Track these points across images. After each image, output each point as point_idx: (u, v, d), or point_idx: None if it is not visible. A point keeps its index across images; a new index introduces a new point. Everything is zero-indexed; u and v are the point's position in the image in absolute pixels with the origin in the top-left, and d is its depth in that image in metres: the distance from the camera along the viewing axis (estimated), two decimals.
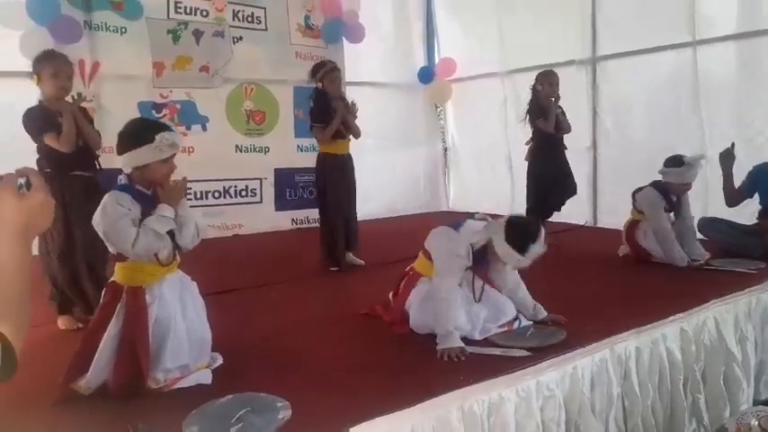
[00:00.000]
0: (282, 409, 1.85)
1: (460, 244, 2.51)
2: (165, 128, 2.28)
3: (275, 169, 6.07)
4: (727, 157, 3.99)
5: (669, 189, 3.79)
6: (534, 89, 4.78)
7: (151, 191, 2.25)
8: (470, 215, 2.69)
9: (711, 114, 4.83)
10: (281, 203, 6.13)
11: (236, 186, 5.88)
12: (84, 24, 4.93)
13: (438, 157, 7.62)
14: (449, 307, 2.43)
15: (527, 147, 4.93)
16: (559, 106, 4.80)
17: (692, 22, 4.89)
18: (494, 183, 6.49)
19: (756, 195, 4.06)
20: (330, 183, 4.16)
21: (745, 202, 4.04)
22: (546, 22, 6.00)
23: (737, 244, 3.84)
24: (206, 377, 2.14)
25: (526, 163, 4.96)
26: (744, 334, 3.02)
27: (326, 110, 4.05)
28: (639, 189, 3.93)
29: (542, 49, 5.94)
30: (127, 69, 5.25)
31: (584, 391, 2.36)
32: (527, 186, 4.93)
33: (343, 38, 6.36)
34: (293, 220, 6.14)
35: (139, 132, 2.21)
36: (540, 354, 2.31)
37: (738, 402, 2.84)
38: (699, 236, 4.00)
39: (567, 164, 4.87)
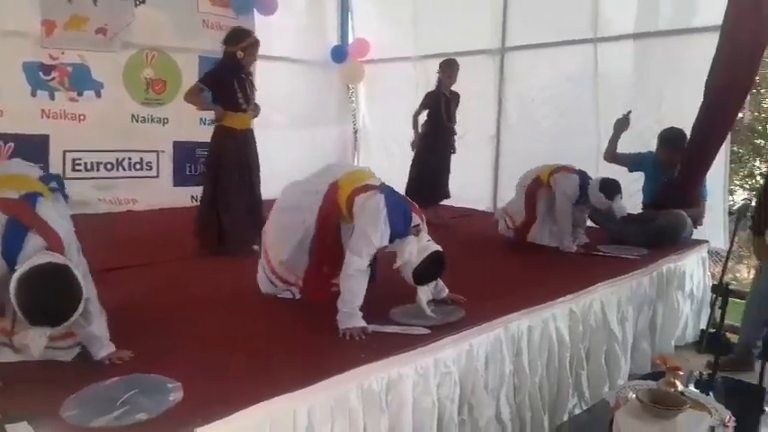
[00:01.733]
0: (173, 390, 1.76)
1: (383, 237, 2.46)
2: None
3: (174, 142, 5.80)
4: (622, 123, 4.33)
5: (587, 194, 3.89)
6: (438, 78, 5.03)
7: None
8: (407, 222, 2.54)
9: (608, 109, 5.10)
10: (180, 179, 5.87)
11: (130, 158, 5.57)
12: None
13: (348, 138, 7.58)
14: (356, 285, 2.41)
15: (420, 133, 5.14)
16: (453, 92, 5.07)
17: (594, 20, 5.14)
18: (402, 167, 6.54)
19: (641, 188, 4.38)
20: (231, 161, 3.83)
21: (632, 194, 4.32)
22: (459, 10, 6.09)
23: (623, 232, 4.09)
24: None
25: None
26: (624, 315, 3.25)
27: (232, 79, 3.79)
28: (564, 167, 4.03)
29: (455, 36, 6.04)
30: (11, 25, 4.81)
31: (479, 369, 2.44)
32: (410, 172, 5.20)
33: (255, 9, 6.14)
34: (192, 196, 5.87)
35: None
36: (438, 331, 2.35)
37: (616, 378, 3.06)
38: (589, 223, 4.24)
39: (449, 161, 5.17)
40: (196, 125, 5.73)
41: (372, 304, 2.70)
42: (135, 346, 2.06)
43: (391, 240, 2.48)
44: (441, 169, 5.19)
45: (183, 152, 5.85)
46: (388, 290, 2.78)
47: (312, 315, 2.59)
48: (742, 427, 1.91)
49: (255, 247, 3.56)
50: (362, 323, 2.36)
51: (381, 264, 2.73)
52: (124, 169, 5.51)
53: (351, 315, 2.37)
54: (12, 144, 4.85)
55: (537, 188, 4.01)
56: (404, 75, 6.66)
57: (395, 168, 6.71)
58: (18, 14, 4.83)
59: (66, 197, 2.12)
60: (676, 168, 4.11)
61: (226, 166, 3.83)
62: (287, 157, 6.29)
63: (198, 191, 5.78)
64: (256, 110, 4.02)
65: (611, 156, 4.40)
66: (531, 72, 5.76)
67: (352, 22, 7.38)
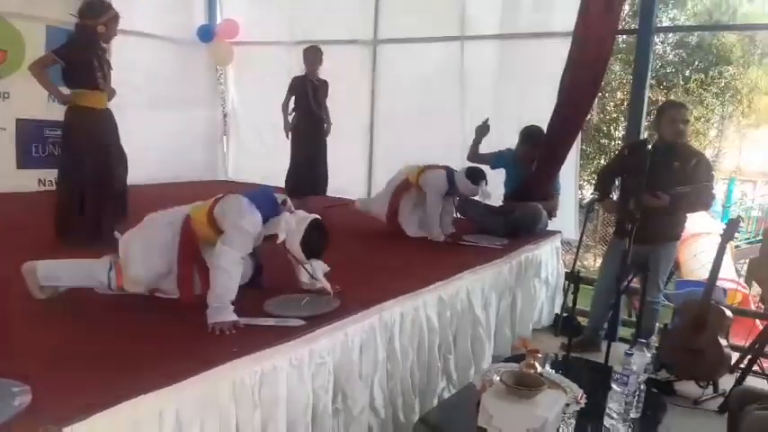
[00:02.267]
0: (20, 394, 1.57)
1: (254, 223, 2.39)
2: None
3: (17, 119, 5.21)
4: (482, 129, 4.59)
5: (455, 185, 4.06)
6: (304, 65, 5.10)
7: None
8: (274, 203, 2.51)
9: (472, 103, 5.34)
10: (26, 160, 5.29)
11: None
12: None
13: (217, 122, 7.28)
14: (229, 279, 2.31)
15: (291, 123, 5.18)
16: (320, 80, 5.15)
17: (462, 19, 5.34)
18: (275, 154, 6.41)
19: (503, 182, 4.65)
20: (88, 143, 3.53)
21: (496, 186, 4.57)
22: None
23: (487, 223, 4.33)
24: None
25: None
26: (488, 301, 3.44)
27: (90, 55, 3.53)
28: (430, 167, 4.17)
29: (328, 24, 6.00)
30: None
31: (353, 358, 2.45)
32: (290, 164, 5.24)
33: None
34: (40, 180, 5.35)
35: None
36: (313, 322, 2.33)
37: (481, 361, 3.24)
38: (455, 215, 4.42)
39: (324, 151, 5.26)
40: (43, 101, 5.16)
41: (246, 297, 2.62)
42: None
43: (264, 223, 2.43)
44: (317, 159, 5.20)
45: (29, 131, 5.27)
46: (263, 282, 2.73)
47: (180, 310, 2.44)
48: (592, 403, 2.09)
49: (117, 234, 3.18)
50: (233, 317, 2.27)
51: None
52: None
53: (221, 309, 2.27)
54: None
55: (405, 189, 4.16)
56: (276, 59, 6.49)
57: (270, 155, 6.58)
58: None
59: None
60: (533, 164, 4.41)
61: (82, 149, 3.53)
62: (152, 141, 5.93)
63: (47, 174, 5.33)
64: (112, 93, 3.78)
65: (474, 156, 4.63)
66: (402, 65, 5.88)
67: (220, 2, 7.07)
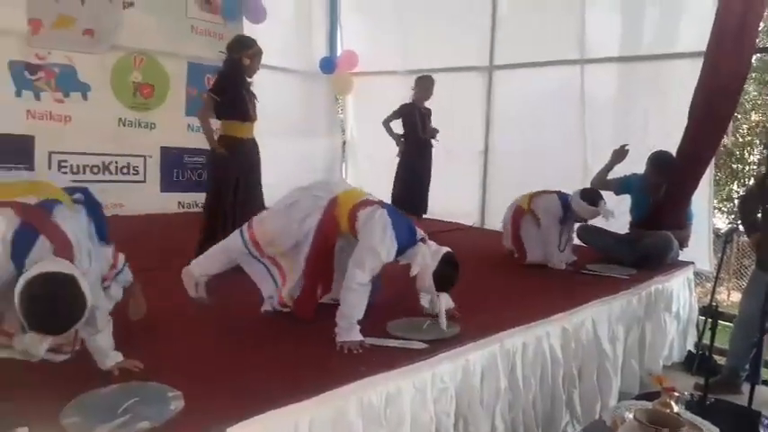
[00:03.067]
0: (174, 399, 1.72)
1: (389, 252, 2.45)
2: None
3: (162, 147, 5.73)
4: (619, 154, 4.32)
5: (571, 208, 3.95)
6: (414, 92, 5.16)
7: None
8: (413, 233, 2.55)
9: (593, 128, 5.19)
10: (167, 184, 5.79)
11: (116, 163, 5.48)
12: None
13: (337, 149, 7.57)
14: (357, 299, 2.38)
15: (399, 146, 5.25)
16: (426, 108, 5.18)
17: (581, 42, 5.23)
18: (389, 179, 6.54)
19: (629, 206, 4.44)
20: (238, 172, 3.68)
21: (622, 214, 4.37)
22: (447, 27, 6.15)
23: (613, 251, 4.14)
24: None
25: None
26: (615, 334, 3.27)
27: (239, 88, 3.74)
28: (542, 192, 4.09)
29: (443, 52, 6.10)
30: None
31: (475, 384, 2.43)
32: (394, 185, 5.29)
33: (244, 17, 6.12)
34: (180, 203, 5.82)
35: None
36: (435, 346, 2.34)
37: (607, 396, 3.07)
38: (577, 242, 4.27)
39: (429, 174, 5.26)
40: (184, 131, 5.70)
41: (369, 317, 2.69)
42: (133, 353, 2.00)
43: (399, 253, 2.48)
44: (423, 183, 5.27)
45: (171, 158, 5.79)
46: (385, 303, 2.78)
47: (310, 327, 2.55)
48: None
49: None
50: (360, 337, 2.34)
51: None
52: (111, 173, 5.43)
53: (349, 329, 2.34)
54: None
55: (519, 216, 4.08)
56: (391, 88, 6.68)
57: (380, 181, 6.73)
58: (4, 12, 4.73)
59: (97, 205, 2.06)
60: (662, 190, 4.18)
61: (231, 177, 3.68)
62: (277, 168, 6.24)
63: (185, 197, 5.81)
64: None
65: (600, 182, 4.39)
66: (519, 90, 5.83)
67: (341, 34, 7.40)
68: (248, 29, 6.11)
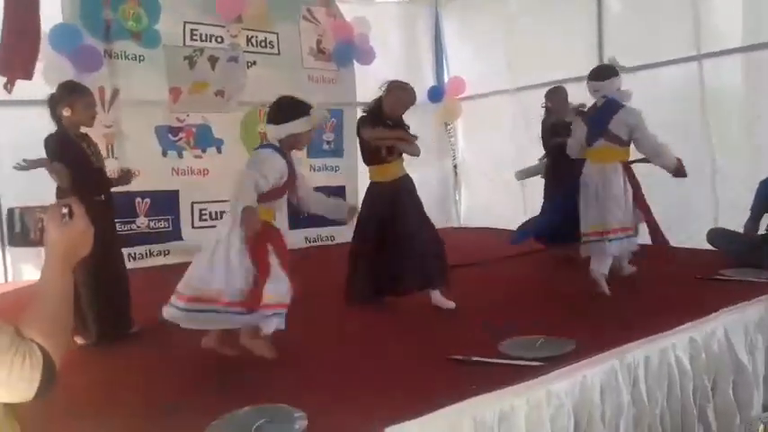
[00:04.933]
0: (299, 419, 1.92)
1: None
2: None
3: None
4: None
5: None
6: (546, 108, 4.89)
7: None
8: None
9: (720, 125, 4.86)
10: (294, 222, 6.21)
11: None
12: (104, 53, 5.09)
13: (448, 173, 7.70)
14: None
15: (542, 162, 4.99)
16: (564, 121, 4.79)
17: (697, 36, 4.96)
18: (505, 199, 6.55)
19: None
20: (372, 215, 3.72)
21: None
22: (552, 37, 6.10)
23: (747, 254, 3.86)
24: None
25: (539, 180, 5.10)
26: (754, 343, 3.04)
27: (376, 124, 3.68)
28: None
29: (550, 64, 6.03)
30: (144, 95, 5.40)
31: (594, 401, 2.39)
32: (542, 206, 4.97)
33: (354, 60, 6.50)
34: (306, 238, 6.24)
35: (297, 106, 2.79)
36: (549, 363, 2.36)
37: (748, 410, 2.85)
38: (706, 246, 4.02)
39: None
40: (307, 172, 6.09)
41: (480, 336, 2.78)
42: (264, 375, 2.25)
43: None
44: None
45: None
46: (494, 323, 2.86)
47: (419, 344, 2.71)
48: None
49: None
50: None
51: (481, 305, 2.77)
52: None
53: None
54: (149, 199, 5.42)
55: None
56: (500, 107, 6.72)
57: (499, 198, 6.74)
58: (150, 86, 5.42)
59: None
60: None
61: (366, 222, 3.74)
62: None
63: (310, 232, 6.21)
64: (414, 149, 3.81)
65: (757, 220, 4.02)
66: (635, 94, 5.59)
67: (446, 62, 7.57)
68: (360, 71, 6.51)
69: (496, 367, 2.39)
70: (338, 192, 6.04)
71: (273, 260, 2.68)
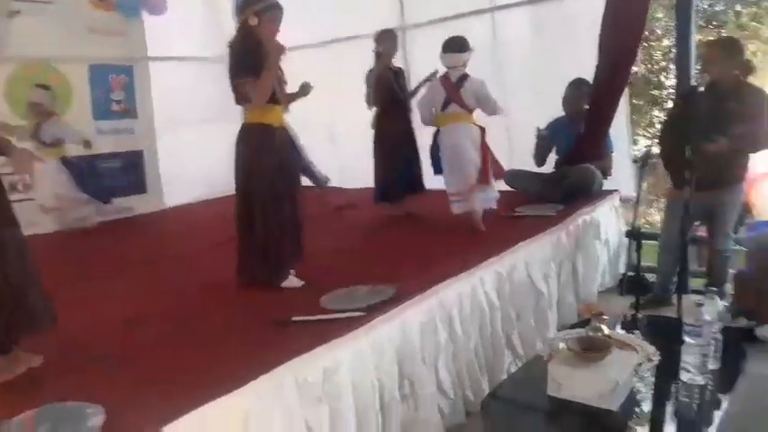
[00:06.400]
0: (93, 414, 1.65)
1: None
2: None
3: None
4: (541, 139, 4.37)
5: None
6: (377, 53, 4.46)
7: None
8: None
9: (511, 76, 5.20)
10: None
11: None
12: None
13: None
14: None
15: (373, 113, 4.50)
16: (400, 68, 4.65)
17: None
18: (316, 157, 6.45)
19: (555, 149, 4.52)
20: (269, 167, 2.86)
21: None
22: None
23: (541, 192, 4.22)
24: None
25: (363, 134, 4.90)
26: (548, 271, 3.35)
27: (259, 59, 2.77)
28: None
29: (352, 19, 5.97)
30: None
31: (415, 343, 2.44)
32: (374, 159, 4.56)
33: (143, 10, 5.84)
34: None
35: None
36: (371, 312, 2.33)
37: (546, 332, 3.16)
38: (505, 187, 4.33)
39: (414, 141, 4.46)
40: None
41: (300, 295, 2.67)
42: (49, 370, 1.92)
43: None
44: (412, 153, 4.47)
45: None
46: (316, 279, 2.79)
47: (240, 313, 2.52)
48: (666, 359, 2.00)
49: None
50: None
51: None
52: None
53: None
54: None
55: None
56: (310, 61, 6.51)
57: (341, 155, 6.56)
58: None
59: None
60: (582, 117, 4.28)
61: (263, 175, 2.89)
62: (200, 162, 6.04)
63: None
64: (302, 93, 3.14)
65: (542, 153, 4.46)
66: (435, 48, 5.77)
67: None
68: (150, 23, 5.87)
69: (320, 324, 2.30)
70: (136, 157, 5.44)
71: None
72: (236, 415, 1.79)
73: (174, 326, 2.50)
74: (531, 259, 3.21)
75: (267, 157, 2.88)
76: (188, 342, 2.28)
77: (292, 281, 2.90)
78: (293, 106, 3.16)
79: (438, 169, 3.89)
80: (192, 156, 5.84)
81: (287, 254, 2.90)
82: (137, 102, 5.85)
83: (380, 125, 4.42)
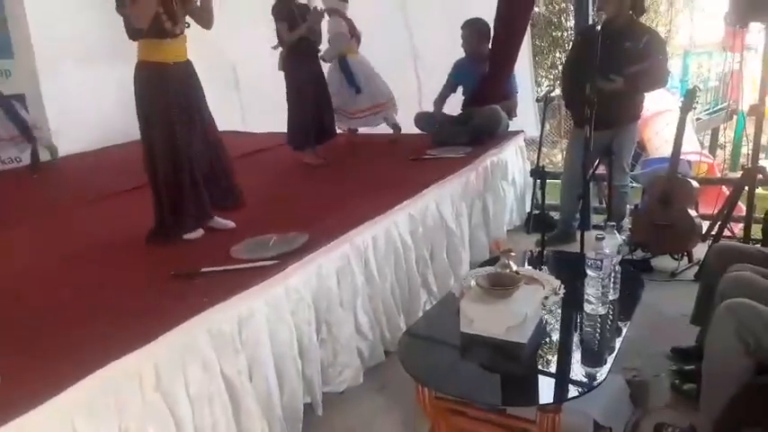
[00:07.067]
0: None
1: None
2: None
3: None
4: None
5: None
6: None
7: None
8: None
9: (420, 17, 5.12)
10: None
11: None
12: None
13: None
14: None
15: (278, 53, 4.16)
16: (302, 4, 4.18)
17: None
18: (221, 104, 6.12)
19: (460, 88, 4.55)
20: (164, 111, 2.60)
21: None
22: None
23: (448, 134, 4.26)
24: None
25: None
26: (459, 211, 3.43)
27: None
28: None
29: None
30: None
31: (332, 287, 2.44)
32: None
33: None
34: None
35: None
36: (284, 259, 2.29)
37: (459, 270, 3.25)
38: (415, 130, 4.35)
39: (325, 84, 4.27)
40: None
41: (211, 244, 2.58)
42: None
43: None
44: (323, 98, 4.23)
45: None
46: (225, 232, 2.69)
47: (132, 268, 2.41)
48: (571, 292, 2.12)
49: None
50: None
51: None
52: None
53: None
54: None
55: None
56: None
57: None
58: None
59: None
60: (485, 56, 4.32)
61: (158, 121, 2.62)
62: (93, 102, 5.55)
63: None
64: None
65: (441, 102, 4.56)
66: None
67: None
68: None
69: (231, 274, 2.23)
70: (17, 101, 4.91)
71: None
72: (147, 370, 1.71)
73: (74, 288, 2.33)
74: (442, 200, 3.26)
75: (160, 100, 2.57)
76: (92, 302, 2.14)
77: (198, 232, 2.74)
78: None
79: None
80: (84, 99, 5.35)
81: (190, 203, 2.69)
82: (12, 38, 5.20)
83: (290, 67, 4.07)
